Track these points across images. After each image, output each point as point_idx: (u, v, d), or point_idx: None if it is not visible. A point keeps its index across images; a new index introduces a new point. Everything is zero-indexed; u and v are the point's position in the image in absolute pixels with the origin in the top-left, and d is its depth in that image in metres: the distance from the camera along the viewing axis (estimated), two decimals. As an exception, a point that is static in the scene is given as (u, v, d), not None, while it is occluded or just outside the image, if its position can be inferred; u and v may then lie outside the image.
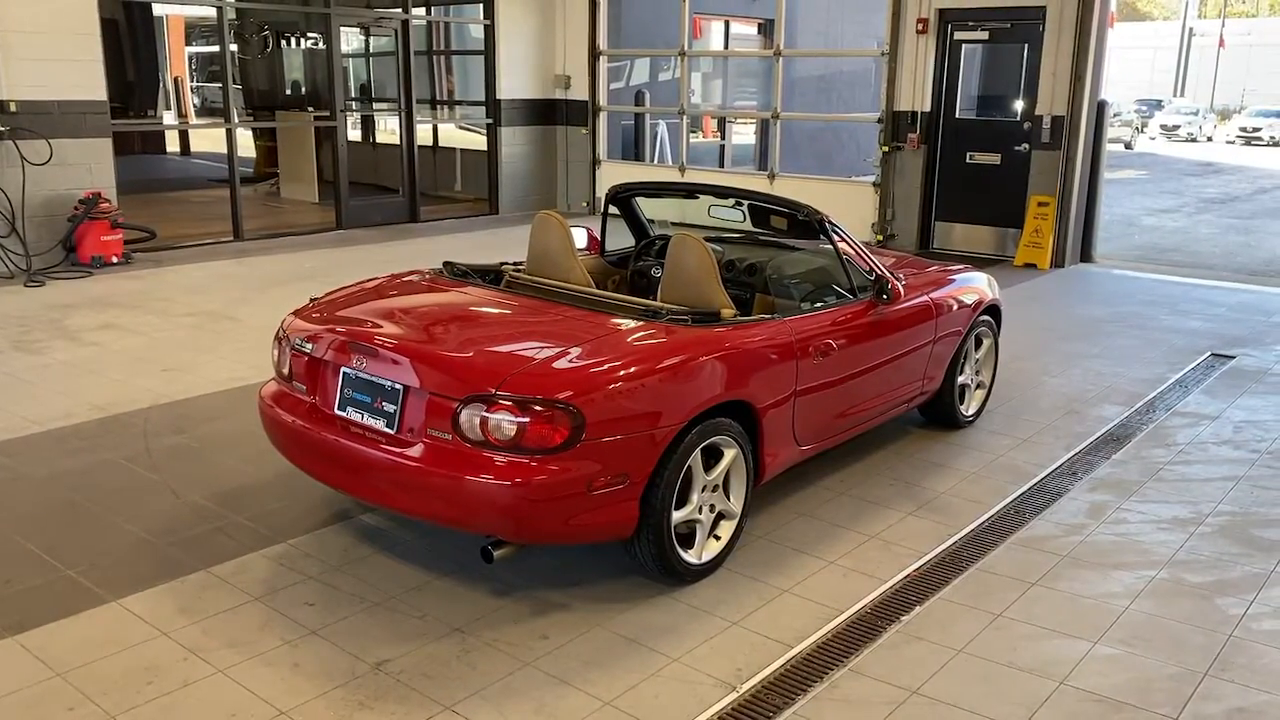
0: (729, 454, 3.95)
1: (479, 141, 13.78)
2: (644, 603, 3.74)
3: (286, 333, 4.06)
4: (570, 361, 3.59)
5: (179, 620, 3.53)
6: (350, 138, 12.36)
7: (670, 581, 3.84)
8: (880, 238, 11.30)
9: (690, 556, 3.86)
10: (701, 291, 4.25)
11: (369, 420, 3.65)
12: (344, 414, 3.75)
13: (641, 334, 3.83)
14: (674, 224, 5.63)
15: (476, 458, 3.39)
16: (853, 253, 4.84)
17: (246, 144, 15.53)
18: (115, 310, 7.84)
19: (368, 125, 15.51)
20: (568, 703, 3.15)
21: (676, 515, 3.75)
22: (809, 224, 4.77)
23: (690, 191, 5.48)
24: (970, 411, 5.74)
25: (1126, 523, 4.56)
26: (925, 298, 5.12)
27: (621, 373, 3.57)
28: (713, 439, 3.84)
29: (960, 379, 5.56)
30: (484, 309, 4.21)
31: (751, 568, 4.03)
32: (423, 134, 13.82)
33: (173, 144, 18.17)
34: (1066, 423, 5.84)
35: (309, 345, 3.92)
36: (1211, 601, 3.87)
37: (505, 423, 3.35)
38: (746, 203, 5.13)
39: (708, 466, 3.89)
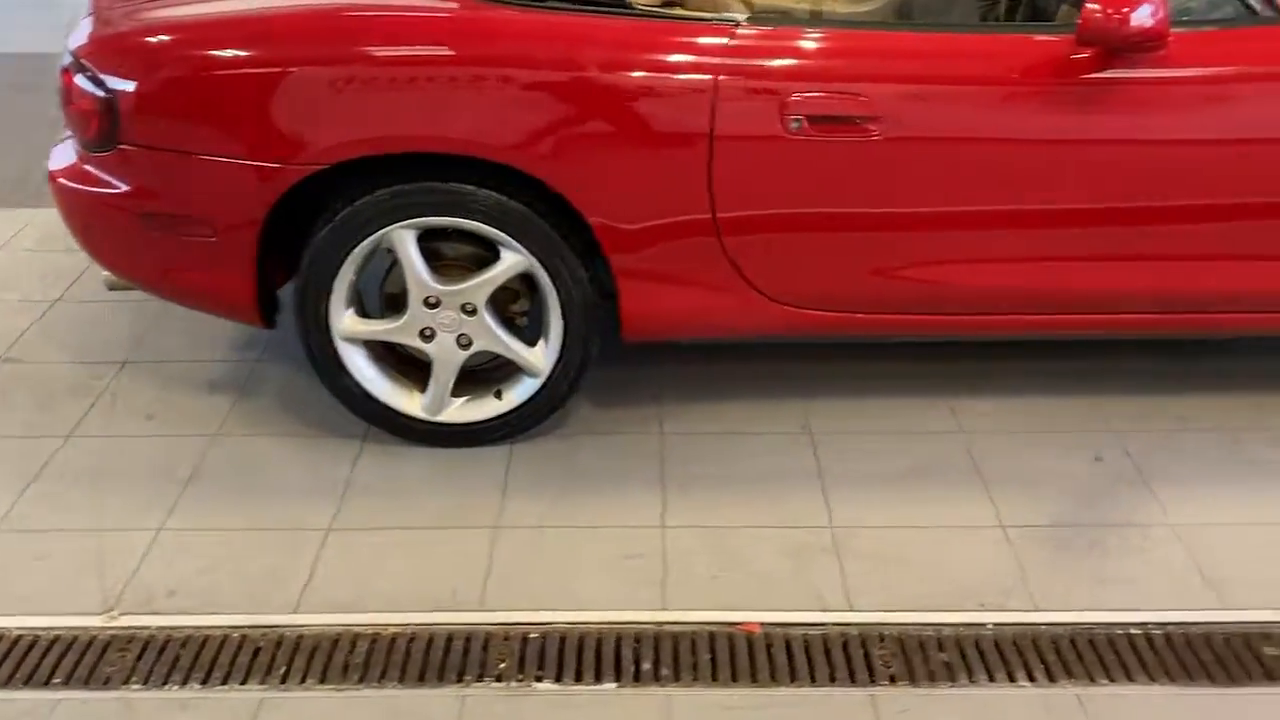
0: (507, 259, 2.13)
1: None
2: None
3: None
4: (166, 21, 2.19)
5: None
6: None
7: (381, 429, 2.32)
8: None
9: (410, 406, 2.26)
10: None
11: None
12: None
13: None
14: None
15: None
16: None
17: None
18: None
19: None
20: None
21: (355, 324, 2.19)
22: None
23: None
24: None
25: None
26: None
27: (221, 53, 2.06)
28: (457, 220, 2.09)
29: None
30: None
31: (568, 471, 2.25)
32: None
33: None
34: None
35: None
36: None
37: (78, 95, 2.21)
38: None
39: (462, 269, 2.17)
